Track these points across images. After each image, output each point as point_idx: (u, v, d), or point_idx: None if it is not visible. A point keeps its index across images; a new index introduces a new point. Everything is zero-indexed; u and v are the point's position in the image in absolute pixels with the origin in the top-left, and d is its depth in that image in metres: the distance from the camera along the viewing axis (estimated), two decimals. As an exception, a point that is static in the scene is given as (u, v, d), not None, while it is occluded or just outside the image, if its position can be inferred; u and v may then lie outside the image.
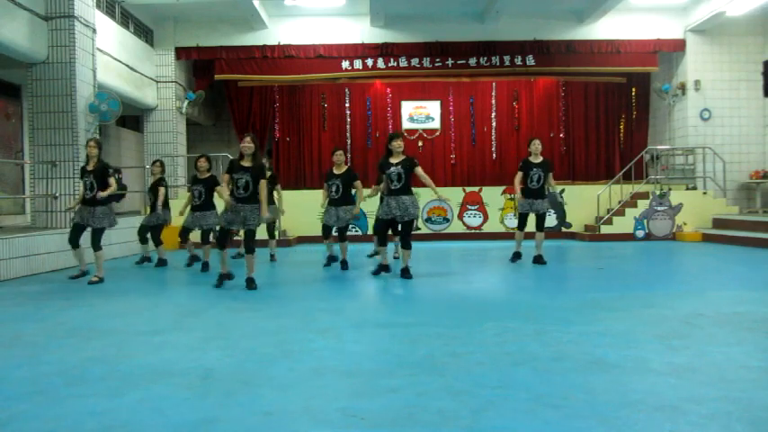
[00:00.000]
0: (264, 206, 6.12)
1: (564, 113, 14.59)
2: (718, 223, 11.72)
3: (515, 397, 2.77)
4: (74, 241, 6.84)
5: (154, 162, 8.68)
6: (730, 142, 12.89)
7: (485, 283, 6.64)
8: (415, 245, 9.34)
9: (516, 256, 8.22)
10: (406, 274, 6.75)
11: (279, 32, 12.79)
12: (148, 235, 8.47)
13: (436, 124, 14.50)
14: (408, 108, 14.51)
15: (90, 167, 6.80)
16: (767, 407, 2.63)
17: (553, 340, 3.79)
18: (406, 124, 14.50)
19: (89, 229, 6.87)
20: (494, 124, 14.48)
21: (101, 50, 9.92)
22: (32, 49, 8.38)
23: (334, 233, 7.79)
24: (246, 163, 6.09)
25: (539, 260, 8.05)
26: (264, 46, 12.76)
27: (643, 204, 12.02)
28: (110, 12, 10.77)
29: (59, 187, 8.72)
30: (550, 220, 12.53)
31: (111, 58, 10.58)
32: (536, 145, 7.96)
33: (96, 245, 6.81)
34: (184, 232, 7.90)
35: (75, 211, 6.88)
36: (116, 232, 9.90)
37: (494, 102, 14.49)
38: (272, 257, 8.85)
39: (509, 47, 12.94)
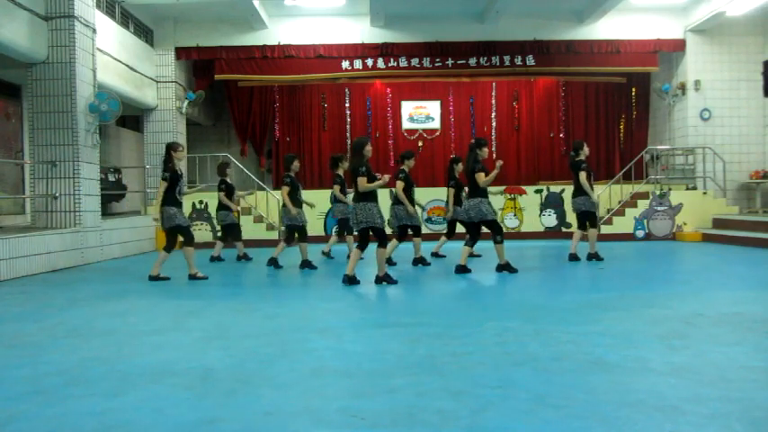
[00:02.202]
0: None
1: (564, 113, 14.59)
2: (718, 223, 11.71)
3: (515, 397, 2.76)
4: None
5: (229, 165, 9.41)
6: (730, 142, 12.89)
7: (485, 283, 6.64)
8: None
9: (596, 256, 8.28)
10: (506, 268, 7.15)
11: (279, 32, 12.79)
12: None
13: (436, 124, 14.51)
14: (408, 108, 14.51)
15: None
16: (767, 407, 2.63)
17: (553, 340, 3.79)
18: (406, 124, 14.51)
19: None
20: (494, 124, 14.48)
21: (101, 50, 9.91)
22: (32, 49, 8.38)
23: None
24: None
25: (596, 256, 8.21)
26: (264, 46, 12.75)
27: (643, 204, 12.01)
28: (110, 12, 10.77)
29: (59, 187, 8.72)
30: (551, 221, 12.56)
31: (111, 58, 10.58)
32: None
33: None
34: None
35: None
36: (116, 232, 9.91)
37: (494, 102, 14.50)
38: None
39: (509, 47, 12.94)
